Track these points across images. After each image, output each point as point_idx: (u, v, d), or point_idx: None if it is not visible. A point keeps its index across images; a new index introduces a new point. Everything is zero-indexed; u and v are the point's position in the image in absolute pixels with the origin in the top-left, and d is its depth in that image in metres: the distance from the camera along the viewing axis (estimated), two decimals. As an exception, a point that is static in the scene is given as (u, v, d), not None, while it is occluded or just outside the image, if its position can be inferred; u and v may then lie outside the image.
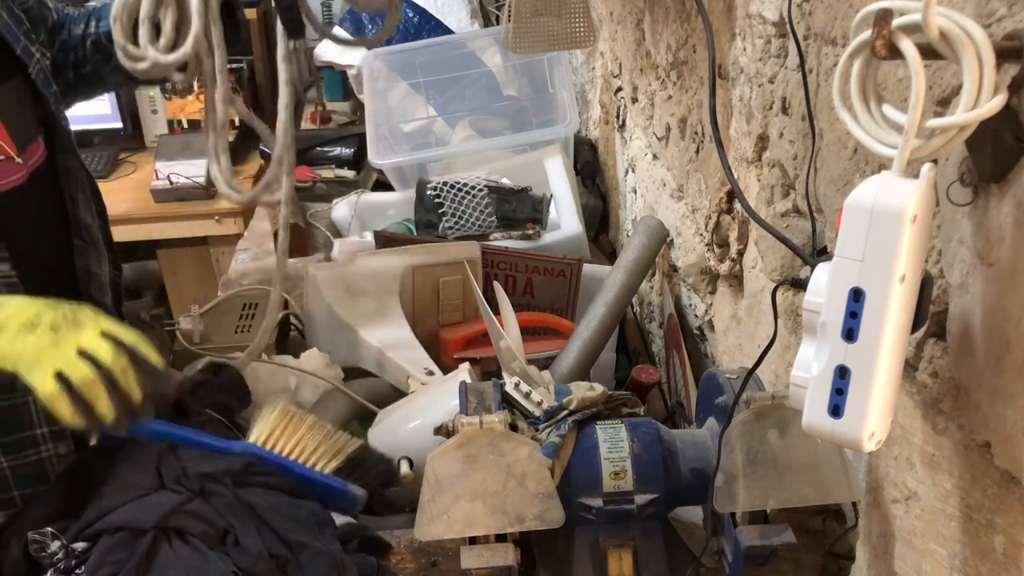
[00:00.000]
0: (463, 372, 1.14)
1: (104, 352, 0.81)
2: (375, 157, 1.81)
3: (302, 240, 1.72)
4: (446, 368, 1.26)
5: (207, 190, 2.77)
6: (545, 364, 1.24)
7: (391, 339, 1.31)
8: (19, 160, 1.04)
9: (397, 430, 1.10)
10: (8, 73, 1.05)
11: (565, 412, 0.91)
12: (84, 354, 0.80)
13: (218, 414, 1.06)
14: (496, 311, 1.15)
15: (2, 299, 0.83)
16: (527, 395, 0.92)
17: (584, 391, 0.93)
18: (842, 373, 0.56)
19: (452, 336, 1.32)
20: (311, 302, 1.39)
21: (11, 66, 1.06)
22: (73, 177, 1.13)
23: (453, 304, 1.39)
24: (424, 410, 1.09)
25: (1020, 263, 0.54)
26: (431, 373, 1.23)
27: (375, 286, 1.33)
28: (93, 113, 2.88)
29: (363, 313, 1.34)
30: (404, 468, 1.03)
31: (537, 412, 0.91)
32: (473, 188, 1.55)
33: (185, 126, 3.15)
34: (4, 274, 0.98)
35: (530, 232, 1.56)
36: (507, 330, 1.11)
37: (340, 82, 2.85)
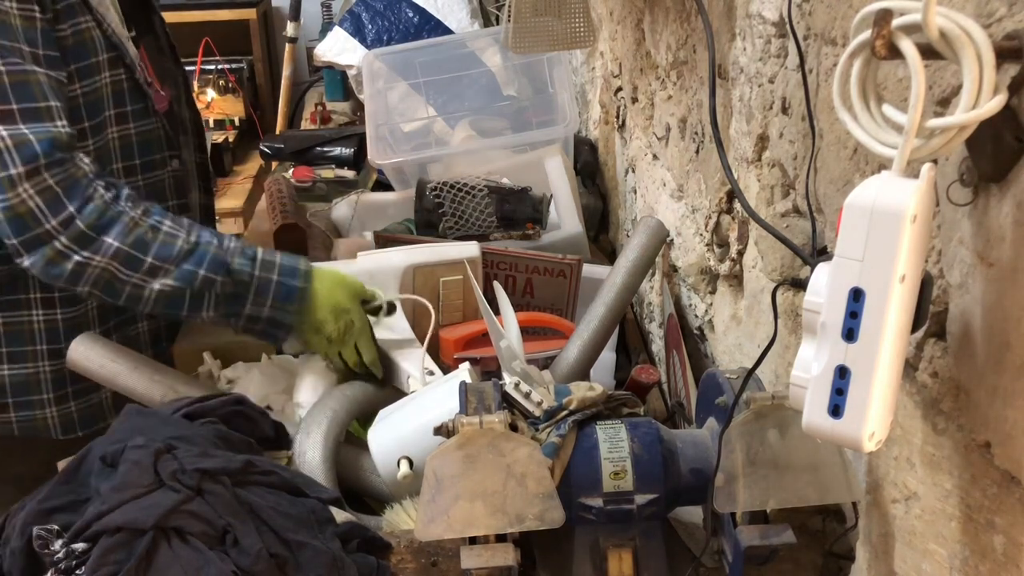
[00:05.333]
0: (463, 372, 1.14)
1: (352, 362, 1.27)
2: (375, 157, 1.80)
3: (302, 240, 1.72)
4: (446, 368, 1.26)
5: (207, 190, 2.77)
6: (545, 364, 1.24)
7: (391, 339, 1.31)
8: (163, 92, 1.42)
9: (397, 430, 1.10)
10: (147, 29, 1.42)
11: (565, 412, 0.91)
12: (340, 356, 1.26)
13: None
14: (496, 311, 1.15)
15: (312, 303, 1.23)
16: (527, 395, 0.92)
17: (584, 391, 0.93)
18: (842, 373, 0.56)
19: (452, 336, 1.31)
20: None
21: (148, 25, 1.42)
22: (181, 120, 1.49)
23: (454, 304, 1.38)
24: (424, 410, 1.09)
25: (1020, 263, 0.54)
26: (431, 373, 1.23)
27: (375, 285, 1.33)
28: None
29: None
30: (404, 468, 1.03)
31: (537, 412, 0.91)
32: (473, 188, 1.55)
33: (185, 126, 3.16)
34: (175, 169, 1.44)
35: (530, 232, 1.56)
36: (507, 330, 1.11)
37: (340, 82, 2.85)
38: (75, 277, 1.15)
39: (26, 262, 1.15)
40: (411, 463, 1.03)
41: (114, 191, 1.17)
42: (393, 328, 1.31)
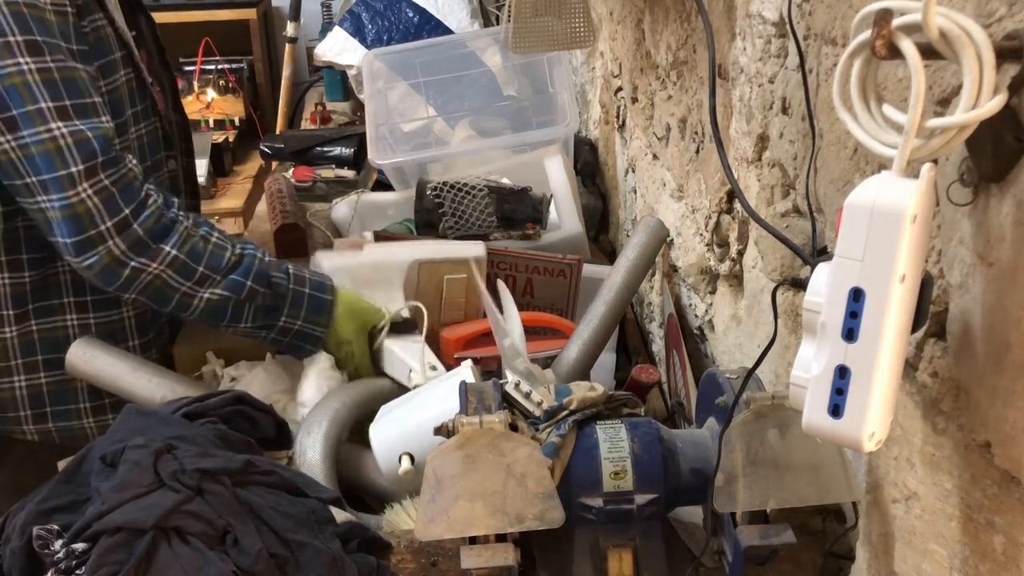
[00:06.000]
0: (466, 369, 1.13)
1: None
2: (375, 157, 1.80)
3: (302, 240, 1.72)
4: (447, 367, 1.26)
5: (207, 190, 2.77)
6: (545, 364, 1.24)
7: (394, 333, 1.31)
8: (159, 90, 1.41)
9: (399, 426, 1.10)
10: (138, 31, 1.38)
11: (565, 412, 0.91)
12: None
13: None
14: (499, 309, 1.15)
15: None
16: (527, 395, 0.92)
17: (584, 391, 0.93)
18: (842, 373, 0.56)
19: (453, 336, 1.31)
20: None
21: (137, 27, 1.39)
22: (171, 123, 1.45)
23: (456, 303, 1.38)
24: (427, 406, 1.09)
25: (1020, 263, 0.54)
26: (434, 368, 1.23)
27: (381, 278, 1.33)
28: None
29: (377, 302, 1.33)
30: (405, 464, 1.03)
31: (537, 412, 0.91)
32: (473, 188, 1.55)
33: (185, 126, 3.16)
34: (171, 169, 1.43)
35: (530, 232, 1.56)
36: (511, 328, 1.11)
37: (340, 82, 2.85)
38: (128, 283, 1.15)
39: (81, 264, 1.13)
40: (412, 459, 1.03)
41: (163, 196, 1.18)
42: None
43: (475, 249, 1.40)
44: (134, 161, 1.16)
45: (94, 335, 1.30)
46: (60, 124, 1.09)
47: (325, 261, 1.37)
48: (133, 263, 1.14)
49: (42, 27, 1.10)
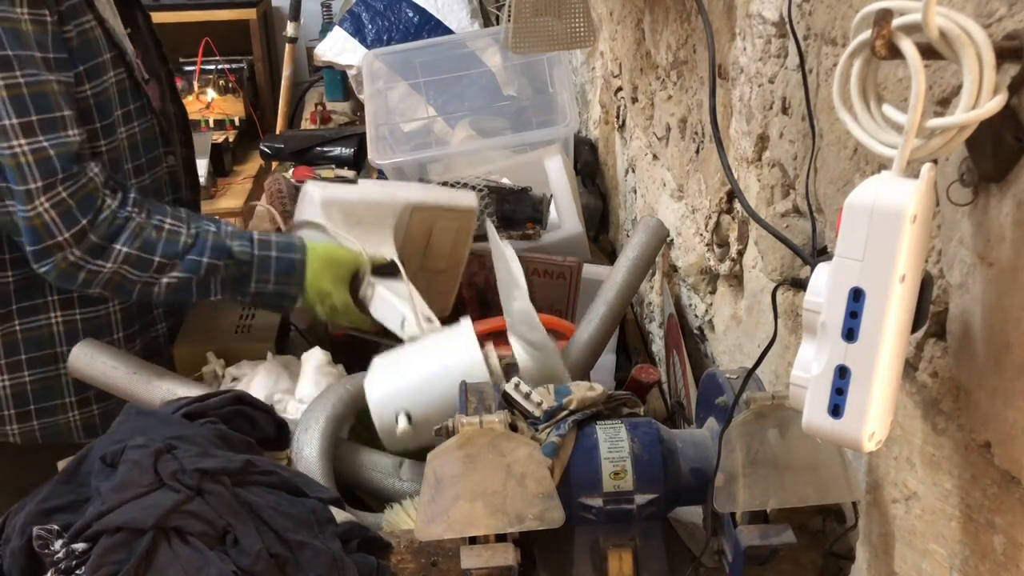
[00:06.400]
0: (466, 326, 1.12)
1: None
2: (375, 157, 1.81)
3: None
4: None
5: (208, 190, 2.77)
6: (545, 364, 1.24)
7: (382, 274, 1.29)
8: (152, 83, 1.41)
9: (396, 382, 1.08)
10: (134, 27, 1.38)
11: (565, 412, 0.91)
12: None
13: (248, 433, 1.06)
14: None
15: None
16: (527, 395, 0.92)
17: (584, 391, 0.93)
18: (842, 373, 0.56)
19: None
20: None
21: (133, 22, 1.39)
22: (168, 116, 1.45)
23: (441, 252, 1.37)
24: (427, 363, 1.07)
25: (1020, 263, 0.54)
26: (430, 321, 1.21)
27: (373, 218, 1.31)
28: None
29: (355, 243, 1.30)
30: (402, 423, 1.02)
31: (537, 412, 0.91)
32: (473, 188, 1.55)
33: (185, 126, 3.16)
34: (170, 165, 1.42)
35: (530, 232, 1.56)
36: (520, 294, 1.08)
37: (340, 82, 2.86)
38: (87, 284, 1.19)
39: (40, 269, 1.17)
40: (410, 418, 1.02)
41: (120, 195, 1.20)
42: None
43: (469, 198, 1.39)
44: (96, 169, 1.18)
45: (85, 335, 1.31)
46: (23, 141, 1.12)
47: (316, 191, 1.32)
48: (89, 266, 1.17)
49: (15, 40, 1.11)
